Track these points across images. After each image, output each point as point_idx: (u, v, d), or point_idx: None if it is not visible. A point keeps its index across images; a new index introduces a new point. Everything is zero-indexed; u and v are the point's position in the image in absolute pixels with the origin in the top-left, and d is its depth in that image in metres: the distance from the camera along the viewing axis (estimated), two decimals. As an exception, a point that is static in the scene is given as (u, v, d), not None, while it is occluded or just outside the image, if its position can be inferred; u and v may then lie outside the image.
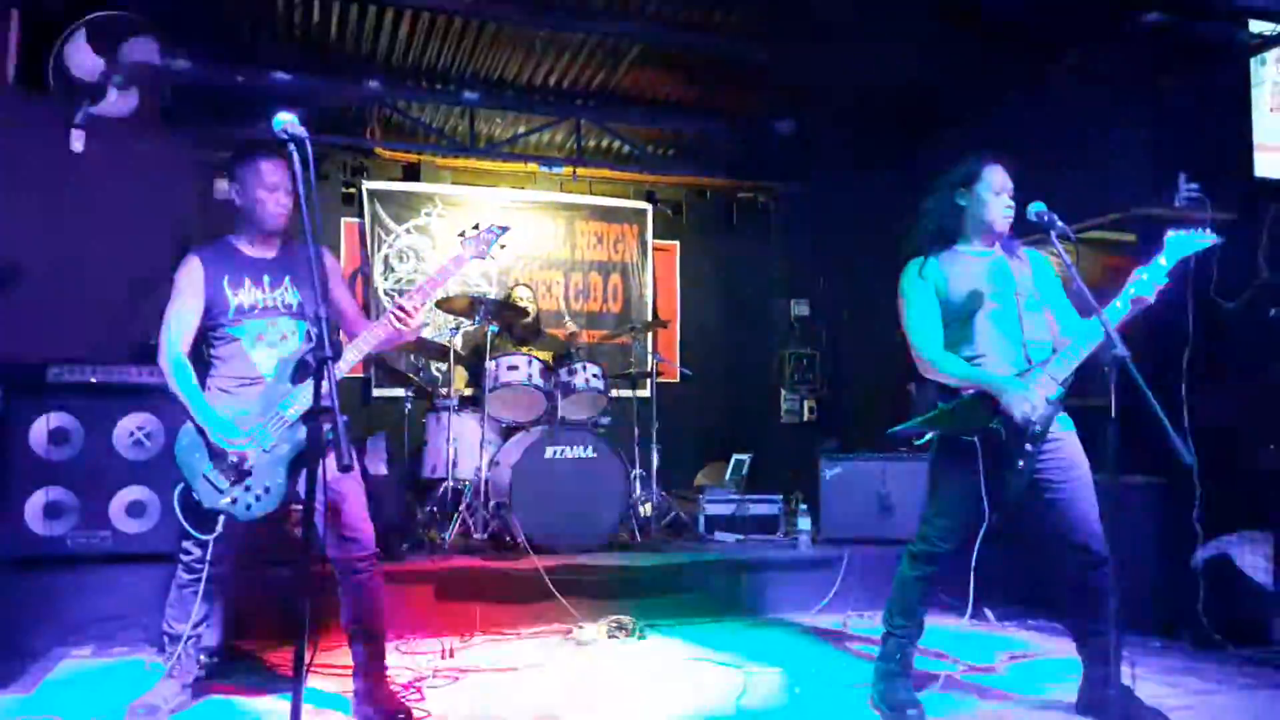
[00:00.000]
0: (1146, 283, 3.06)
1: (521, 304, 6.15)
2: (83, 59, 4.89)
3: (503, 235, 3.50)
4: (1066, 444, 3.18)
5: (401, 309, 3.15)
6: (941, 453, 3.26)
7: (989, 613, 4.74)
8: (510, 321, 6.03)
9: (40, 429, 4.17)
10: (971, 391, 3.13)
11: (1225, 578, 4.18)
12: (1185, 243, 3.13)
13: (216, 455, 3.06)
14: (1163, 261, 3.10)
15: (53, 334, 4.51)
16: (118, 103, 5.05)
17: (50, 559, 4.14)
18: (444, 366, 5.89)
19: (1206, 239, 3.15)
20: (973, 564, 3.14)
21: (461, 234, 3.52)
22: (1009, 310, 3.22)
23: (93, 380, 4.32)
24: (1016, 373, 3.12)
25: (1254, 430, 4.37)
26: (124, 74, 4.99)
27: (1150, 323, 3.08)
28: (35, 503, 4.14)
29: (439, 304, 5.64)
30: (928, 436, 3.24)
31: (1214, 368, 4.41)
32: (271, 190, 3.21)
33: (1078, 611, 3.18)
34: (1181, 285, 4.34)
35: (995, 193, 3.25)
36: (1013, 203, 3.26)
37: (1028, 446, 3.08)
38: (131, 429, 4.28)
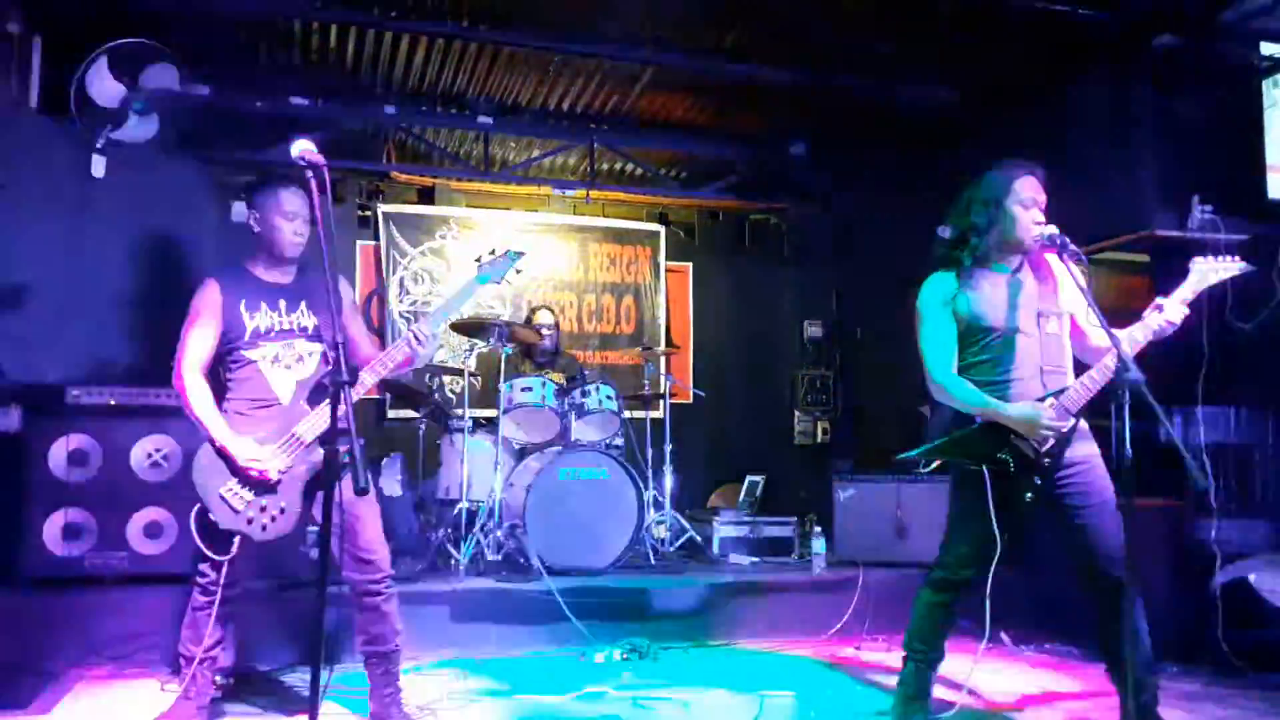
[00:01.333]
0: (1166, 313, 3.01)
1: (544, 329, 6.15)
2: (104, 85, 4.96)
3: (518, 260, 3.55)
4: (1088, 469, 3.09)
5: (417, 335, 3.21)
6: (957, 480, 3.23)
7: (1005, 637, 4.71)
8: (529, 343, 6.05)
9: (59, 450, 4.21)
10: (981, 420, 3.09)
11: (1244, 602, 4.14)
12: (1210, 270, 3.07)
13: (235, 476, 3.08)
14: (1188, 291, 3.04)
15: (72, 356, 4.56)
16: (138, 128, 5.12)
17: (68, 580, 4.16)
18: (459, 388, 5.92)
19: (1233, 267, 3.08)
20: (987, 591, 3.11)
21: (478, 259, 3.57)
22: (1031, 333, 3.13)
23: (111, 402, 4.36)
24: (1033, 401, 3.08)
25: (1271, 452, 4.34)
26: (144, 100, 5.07)
27: (1165, 345, 3.05)
28: (54, 524, 4.17)
29: (453, 326, 5.67)
30: (935, 464, 3.17)
31: (1229, 389, 4.39)
32: (290, 219, 3.25)
33: (1106, 640, 3.09)
34: (1196, 307, 4.33)
35: (1025, 207, 3.12)
36: (1044, 216, 3.12)
37: (1036, 479, 3.04)
38: (149, 450, 4.31)
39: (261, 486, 3.10)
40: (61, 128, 4.91)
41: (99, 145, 4.95)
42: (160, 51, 5.09)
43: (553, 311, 6.45)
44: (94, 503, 4.22)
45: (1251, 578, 4.12)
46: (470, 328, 5.73)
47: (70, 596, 4.11)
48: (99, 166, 4.94)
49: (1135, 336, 3.00)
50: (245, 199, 3.35)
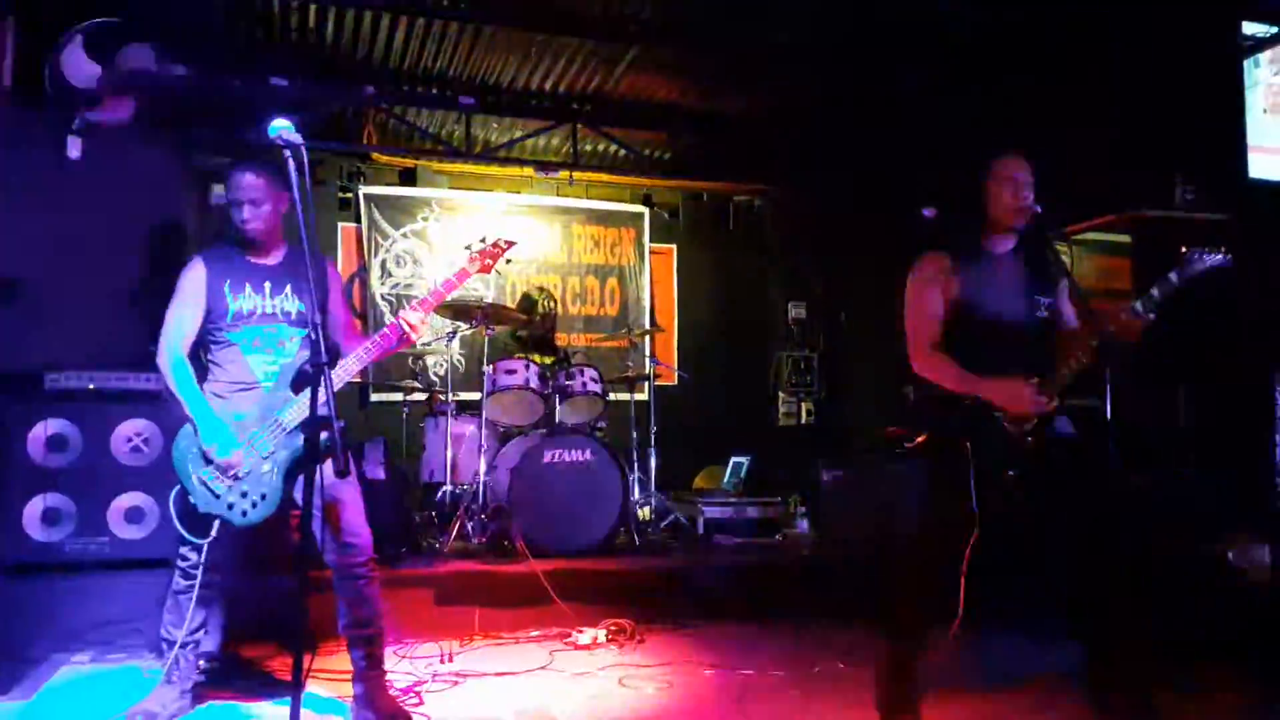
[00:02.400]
0: (1156, 298, 2.95)
1: (545, 307, 6.08)
2: (79, 66, 4.89)
3: (509, 250, 3.53)
4: (1068, 450, 3.12)
5: (409, 323, 3.20)
6: (937, 456, 3.23)
7: (988, 620, 4.74)
8: (529, 329, 6.01)
9: (38, 435, 4.17)
10: (965, 399, 3.10)
11: (1221, 578, 4.18)
12: (1199, 261, 3.02)
13: (210, 460, 3.06)
14: (1174, 279, 2.97)
15: (50, 340, 4.51)
16: (114, 109, 5.05)
17: (48, 565, 4.13)
18: (442, 370, 5.90)
19: (1220, 259, 3.03)
20: (963, 571, 3.12)
21: (468, 247, 3.55)
22: (1019, 315, 3.14)
23: (90, 386, 4.32)
24: (1014, 380, 3.08)
25: (1252, 430, 4.37)
26: (121, 80, 5.00)
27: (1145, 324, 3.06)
28: (33, 509, 4.13)
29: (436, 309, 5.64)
30: (919, 439, 3.19)
31: (1211, 368, 4.41)
32: (242, 204, 3.21)
33: (1089, 618, 3.09)
34: (1182, 292, 4.34)
35: (1005, 185, 3.12)
36: (1029, 194, 3.11)
37: (1018, 458, 3.06)
38: (129, 435, 4.28)
39: (245, 467, 3.08)
40: (36, 109, 4.84)
41: (75, 126, 4.88)
42: (136, 31, 5.01)
43: (551, 295, 6.34)
44: (74, 488, 4.19)
45: (1231, 556, 4.16)
46: (453, 310, 5.71)
47: (51, 582, 4.08)
48: (74, 148, 4.88)
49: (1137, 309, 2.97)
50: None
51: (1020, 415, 3.04)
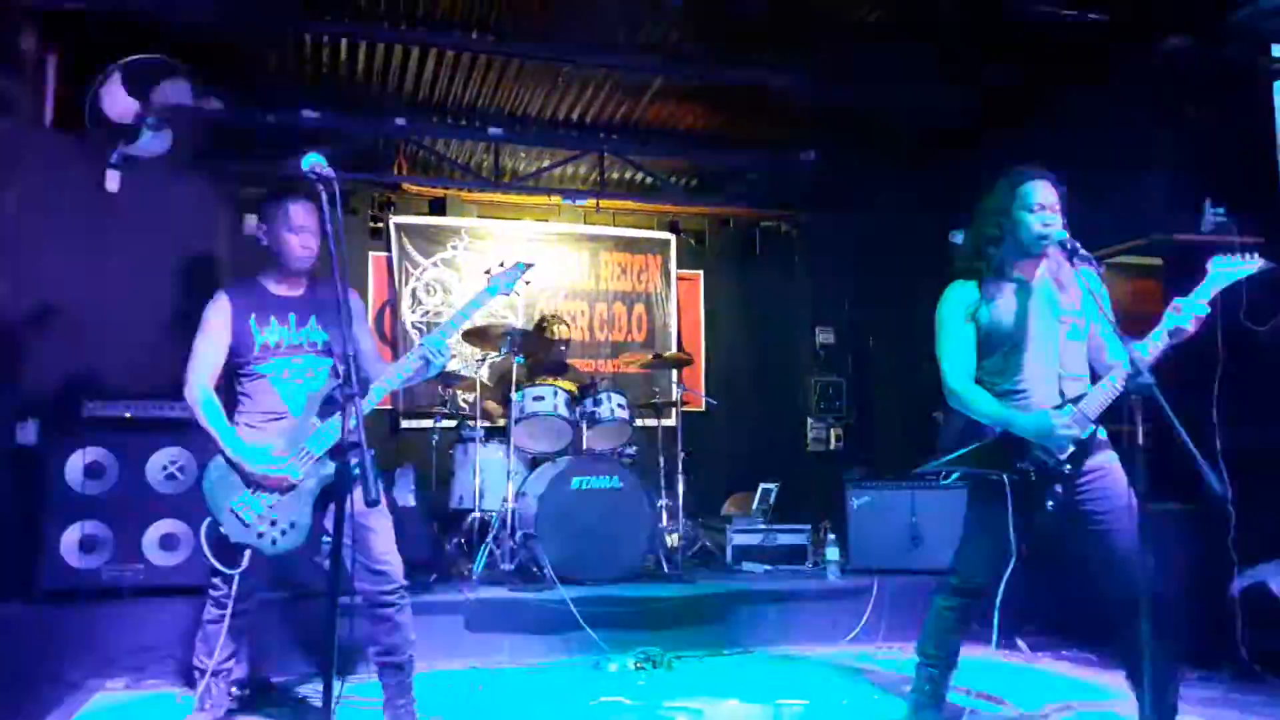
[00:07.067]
0: (1185, 314, 2.94)
1: (560, 342, 6.12)
2: (118, 100, 5.01)
3: (526, 271, 3.57)
4: (1106, 475, 3.07)
5: (429, 353, 3.23)
6: (975, 488, 3.22)
7: (1021, 643, 4.68)
8: (538, 356, 6.04)
9: (75, 463, 4.23)
10: (999, 431, 3.07)
11: (1263, 607, 4.10)
12: (1228, 269, 3.01)
13: (249, 486, 3.09)
14: (1206, 293, 2.97)
15: (88, 369, 4.59)
16: (152, 143, 5.17)
17: (85, 592, 4.18)
18: (471, 398, 5.93)
19: (1252, 264, 3.03)
20: (998, 600, 3.09)
21: (488, 271, 3.59)
22: (1050, 341, 3.12)
23: (127, 415, 4.39)
24: (1049, 410, 3.06)
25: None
26: (158, 115, 5.11)
27: (1179, 348, 3.02)
28: (70, 536, 4.19)
29: (465, 336, 5.69)
30: (955, 475, 3.18)
31: (1245, 393, 4.35)
32: (297, 232, 3.27)
33: (1125, 646, 3.04)
34: (1211, 310, 4.29)
35: (1032, 210, 3.11)
36: (1055, 218, 3.10)
37: (1057, 487, 3.02)
38: (165, 463, 4.34)
39: (275, 497, 3.11)
40: (76, 143, 4.96)
41: (113, 160, 5.00)
42: (173, 67, 5.13)
43: (568, 325, 6.40)
44: (110, 515, 4.25)
45: (1270, 582, 4.08)
46: (482, 337, 5.74)
47: (87, 608, 4.13)
48: (113, 181, 4.99)
49: (1154, 342, 2.96)
50: (258, 212, 3.38)
51: (1056, 450, 3.01)
